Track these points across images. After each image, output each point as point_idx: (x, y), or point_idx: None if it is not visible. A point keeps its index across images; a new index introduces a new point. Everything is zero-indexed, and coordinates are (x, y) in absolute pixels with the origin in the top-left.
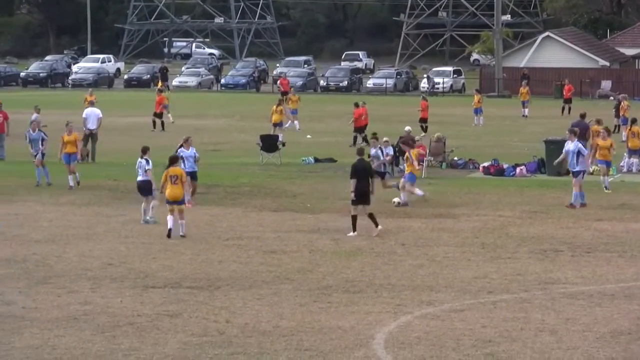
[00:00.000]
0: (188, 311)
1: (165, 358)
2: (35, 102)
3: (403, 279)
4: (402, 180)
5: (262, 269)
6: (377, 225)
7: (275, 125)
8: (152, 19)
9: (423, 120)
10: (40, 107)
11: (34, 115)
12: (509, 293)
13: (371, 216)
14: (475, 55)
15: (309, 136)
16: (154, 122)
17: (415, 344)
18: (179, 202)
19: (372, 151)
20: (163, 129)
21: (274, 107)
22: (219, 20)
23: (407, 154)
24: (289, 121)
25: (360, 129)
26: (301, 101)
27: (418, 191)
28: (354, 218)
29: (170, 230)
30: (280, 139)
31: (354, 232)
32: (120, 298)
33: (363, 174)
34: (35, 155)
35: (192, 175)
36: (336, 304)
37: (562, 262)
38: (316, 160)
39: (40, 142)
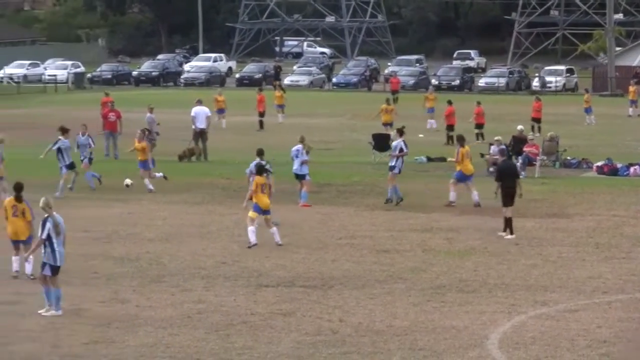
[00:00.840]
0: (301, 310)
1: (278, 357)
2: (147, 101)
3: (517, 279)
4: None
5: (375, 268)
6: (505, 230)
7: (385, 125)
8: (264, 17)
9: (535, 120)
10: (153, 106)
11: (148, 115)
12: (624, 293)
13: (509, 221)
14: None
15: (420, 135)
16: (261, 122)
17: (530, 344)
18: (267, 211)
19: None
20: (262, 127)
21: (384, 106)
22: (330, 19)
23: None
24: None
25: (450, 127)
26: (437, 100)
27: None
28: (509, 220)
29: (254, 244)
30: (392, 137)
31: (511, 234)
32: (234, 297)
33: (508, 175)
34: (83, 161)
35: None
36: (450, 303)
37: None
38: (428, 159)
39: (87, 148)
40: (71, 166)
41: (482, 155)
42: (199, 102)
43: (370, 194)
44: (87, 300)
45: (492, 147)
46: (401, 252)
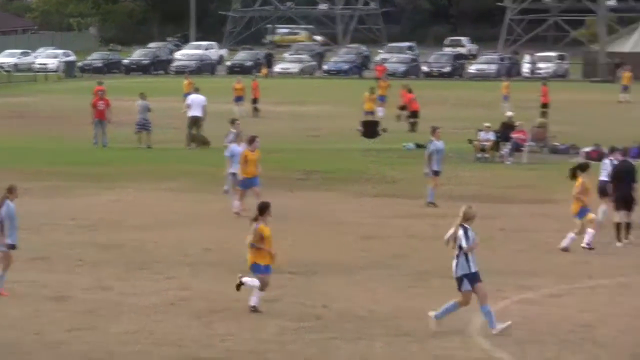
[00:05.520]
0: (287, 296)
1: (262, 344)
2: (138, 89)
3: (502, 264)
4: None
5: (359, 254)
6: (620, 239)
7: (367, 113)
8: (256, 5)
9: (544, 105)
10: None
11: (141, 102)
12: (608, 278)
13: (628, 227)
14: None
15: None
16: (255, 109)
17: (513, 328)
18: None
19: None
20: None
21: (367, 94)
22: (322, 6)
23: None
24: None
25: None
26: (391, 88)
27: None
28: (617, 226)
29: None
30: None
31: (619, 242)
32: (219, 284)
33: (625, 176)
34: None
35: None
36: (435, 288)
37: None
38: (417, 146)
39: None
40: None
41: (471, 142)
42: (196, 90)
43: (358, 181)
44: (70, 288)
45: (481, 133)
46: (385, 238)
